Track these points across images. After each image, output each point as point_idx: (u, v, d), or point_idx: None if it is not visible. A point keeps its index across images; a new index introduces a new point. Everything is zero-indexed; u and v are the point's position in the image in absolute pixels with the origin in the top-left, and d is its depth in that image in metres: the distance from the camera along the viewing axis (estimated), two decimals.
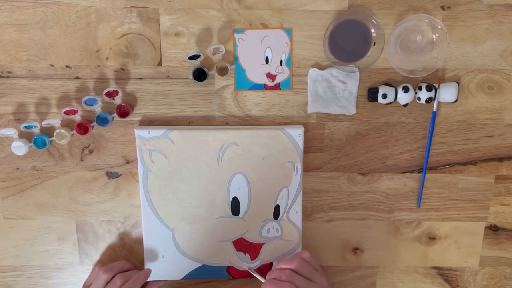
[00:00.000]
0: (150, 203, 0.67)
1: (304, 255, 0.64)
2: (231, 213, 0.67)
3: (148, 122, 0.67)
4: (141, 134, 0.64)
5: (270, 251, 0.69)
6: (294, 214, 0.68)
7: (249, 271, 0.67)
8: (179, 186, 0.66)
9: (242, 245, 0.68)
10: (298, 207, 0.68)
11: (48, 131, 0.66)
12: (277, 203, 0.67)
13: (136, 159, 0.66)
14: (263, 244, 0.68)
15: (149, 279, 0.68)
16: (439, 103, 0.66)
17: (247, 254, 0.69)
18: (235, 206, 0.67)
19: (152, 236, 0.68)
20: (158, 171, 0.66)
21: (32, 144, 0.64)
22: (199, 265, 0.69)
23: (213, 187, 0.66)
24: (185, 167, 0.66)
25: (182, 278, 0.69)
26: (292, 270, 0.61)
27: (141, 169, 0.65)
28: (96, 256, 0.71)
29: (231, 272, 0.69)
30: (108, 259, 0.71)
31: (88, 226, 0.70)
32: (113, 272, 0.64)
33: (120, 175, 0.68)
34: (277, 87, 0.66)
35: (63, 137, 0.64)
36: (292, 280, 0.59)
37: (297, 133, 0.65)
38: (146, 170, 0.65)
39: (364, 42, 0.63)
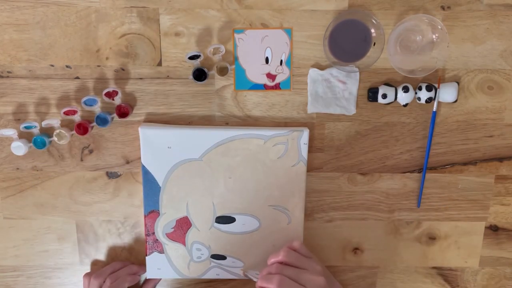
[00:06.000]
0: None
1: (293, 244, 0.61)
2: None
3: (148, 122, 0.67)
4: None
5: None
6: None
7: (245, 274, 0.66)
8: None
9: None
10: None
11: (47, 131, 0.66)
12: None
13: (136, 159, 0.66)
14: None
15: (148, 277, 0.69)
16: (439, 103, 0.66)
17: None
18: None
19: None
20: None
21: (31, 144, 0.64)
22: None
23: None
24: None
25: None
26: (280, 262, 0.59)
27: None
28: (96, 256, 0.71)
29: None
30: (108, 259, 0.71)
31: (88, 226, 0.70)
32: (104, 276, 0.64)
33: (120, 175, 0.68)
34: (277, 87, 0.66)
35: (63, 138, 0.64)
36: (281, 272, 0.57)
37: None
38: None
39: (364, 42, 0.63)
